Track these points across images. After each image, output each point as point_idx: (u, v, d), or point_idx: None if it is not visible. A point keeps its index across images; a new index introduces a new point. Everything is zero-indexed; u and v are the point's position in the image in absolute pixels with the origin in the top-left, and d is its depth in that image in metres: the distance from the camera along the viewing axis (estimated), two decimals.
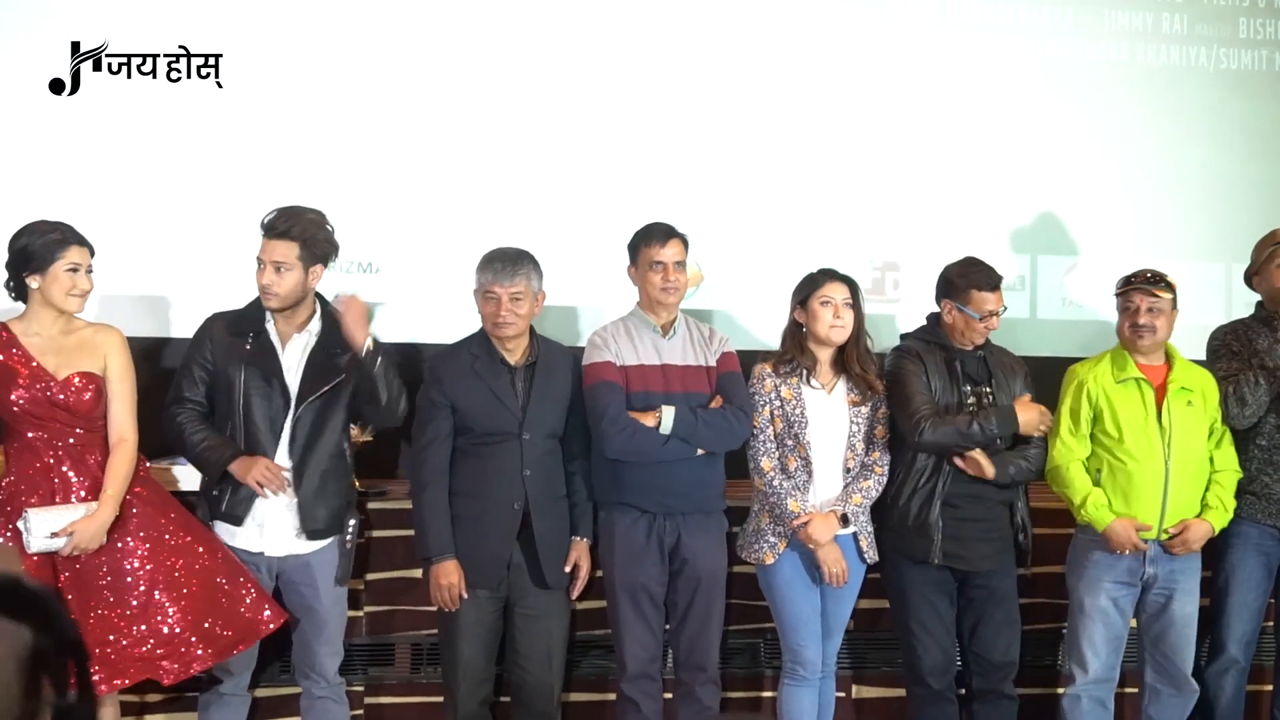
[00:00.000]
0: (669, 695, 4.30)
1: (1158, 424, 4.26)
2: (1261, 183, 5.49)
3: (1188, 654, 4.40)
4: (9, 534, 3.67)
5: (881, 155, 5.30)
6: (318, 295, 4.11)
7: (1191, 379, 4.34)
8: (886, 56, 5.33)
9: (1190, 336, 4.65)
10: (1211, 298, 5.36)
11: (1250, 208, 5.38)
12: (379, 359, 3.95)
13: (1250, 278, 4.58)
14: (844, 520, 4.17)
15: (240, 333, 4.03)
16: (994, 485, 4.21)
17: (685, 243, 4.28)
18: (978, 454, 4.15)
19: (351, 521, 4.11)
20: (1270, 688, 4.69)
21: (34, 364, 3.73)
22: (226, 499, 3.97)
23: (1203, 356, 4.57)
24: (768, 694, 4.60)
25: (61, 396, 3.73)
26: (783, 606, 4.23)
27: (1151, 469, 4.25)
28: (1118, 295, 4.37)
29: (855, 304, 4.24)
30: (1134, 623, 4.45)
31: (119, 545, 3.77)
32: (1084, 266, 5.28)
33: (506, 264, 4.09)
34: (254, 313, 4.06)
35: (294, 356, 4.04)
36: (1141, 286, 4.29)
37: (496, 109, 5.10)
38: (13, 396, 3.69)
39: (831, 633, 4.28)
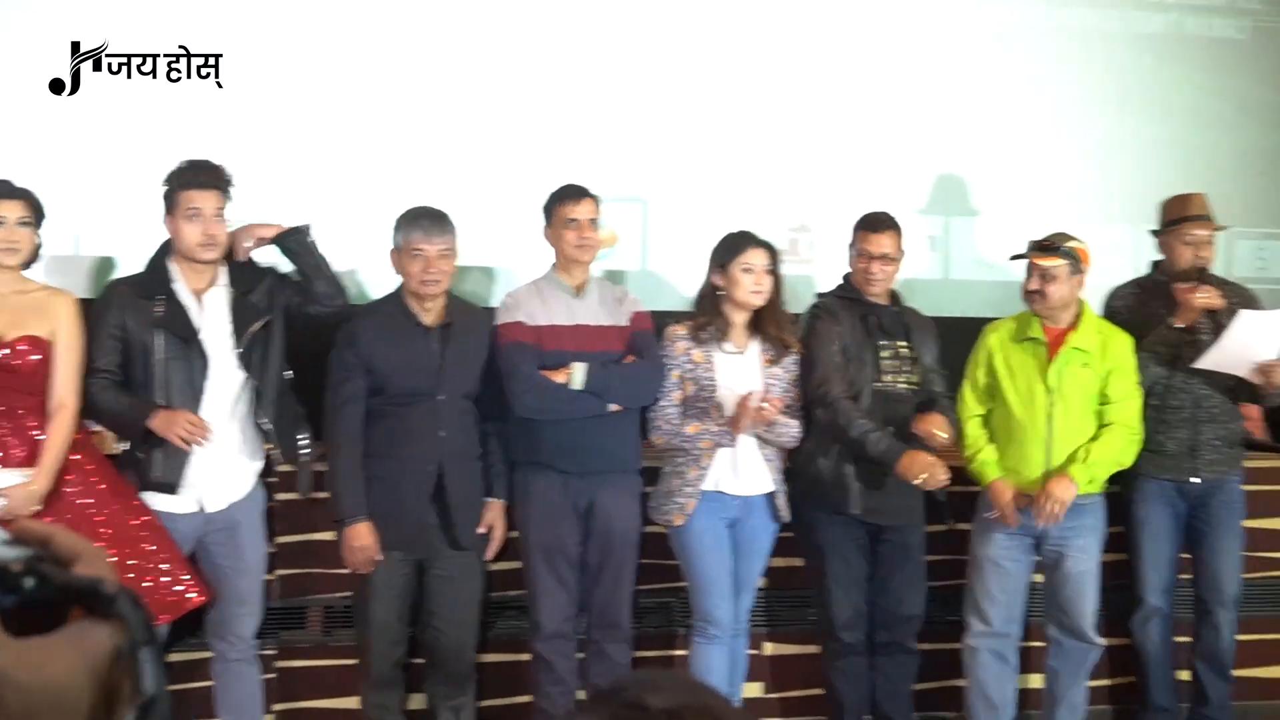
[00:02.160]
0: (582, 655, 4.34)
1: (1043, 383, 4.34)
2: (1170, 144, 5.56)
3: (1085, 607, 4.50)
4: None
5: (796, 118, 5.30)
6: None
7: (1092, 340, 4.40)
8: (799, 21, 5.33)
9: (1095, 296, 4.73)
10: (1119, 259, 5.44)
11: (1159, 170, 5.46)
12: (308, 234, 4.03)
13: (1156, 236, 4.70)
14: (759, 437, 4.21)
15: (148, 295, 3.97)
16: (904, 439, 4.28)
17: (598, 203, 4.31)
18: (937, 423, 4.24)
19: (303, 437, 4.13)
20: (1189, 639, 4.81)
21: None
22: (157, 465, 3.92)
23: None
24: (679, 652, 4.65)
25: (4, 356, 3.71)
26: (693, 566, 4.27)
27: (1035, 429, 4.34)
28: (1023, 258, 4.46)
29: (774, 269, 4.28)
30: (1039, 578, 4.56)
31: (59, 512, 3.75)
32: (996, 228, 5.34)
33: (434, 221, 4.11)
34: (159, 273, 4.00)
35: (215, 313, 4.00)
36: (1034, 253, 4.38)
37: (411, 71, 5.11)
38: None
39: (742, 591, 4.33)
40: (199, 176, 3.96)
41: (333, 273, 4.12)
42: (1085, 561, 4.46)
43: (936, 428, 4.21)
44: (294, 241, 4.03)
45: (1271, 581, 5.10)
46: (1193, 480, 4.56)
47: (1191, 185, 4.87)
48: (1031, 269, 4.36)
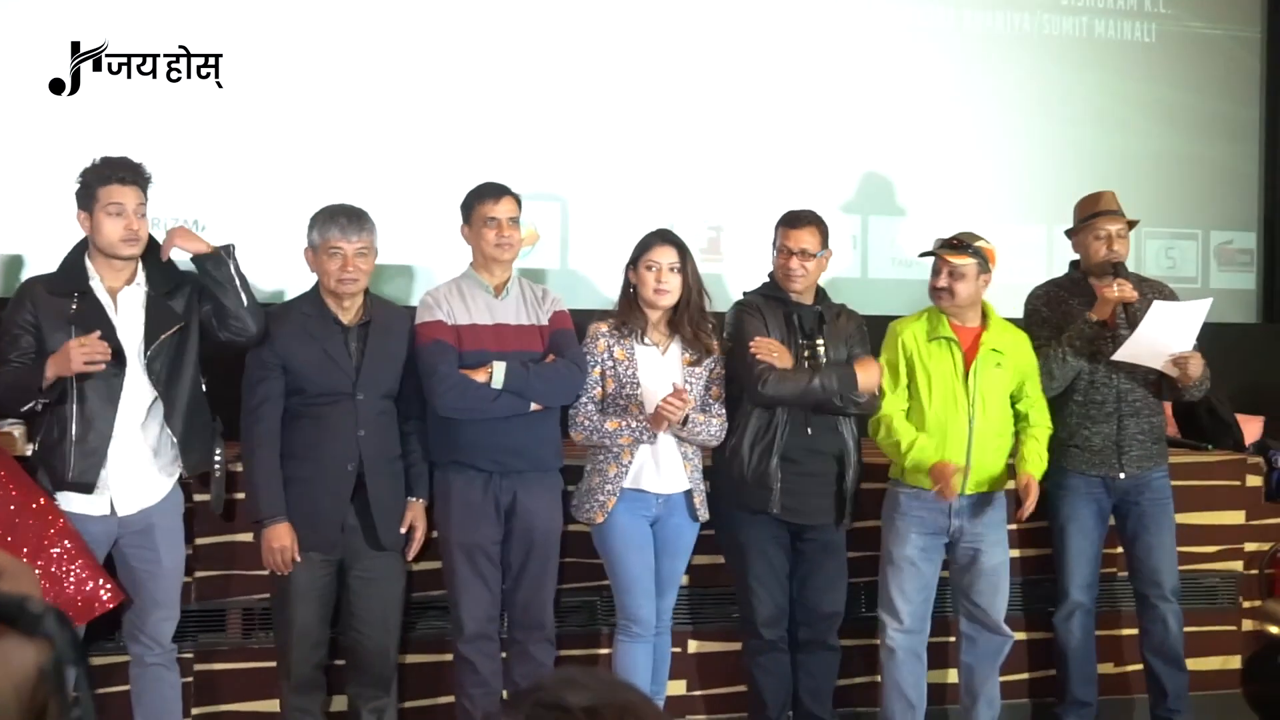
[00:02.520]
0: (505, 655, 4.33)
1: (963, 384, 4.42)
2: (1081, 146, 5.71)
3: (998, 602, 4.57)
4: None
5: (715, 117, 5.39)
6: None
7: (1004, 340, 4.49)
8: (717, 24, 5.41)
9: (1012, 296, 4.86)
10: (1034, 259, 5.59)
11: (1071, 171, 5.60)
12: (231, 259, 3.95)
13: (1071, 235, 4.78)
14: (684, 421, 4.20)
15: (63, 293, 3.91)
16: (824, 438, 4.34)
17: (518, 201, 4.30)
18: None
19: (218, 451, 4.11)
20: (1133, 631, 4.90)
21: None
22: (72, 465, 3.85)
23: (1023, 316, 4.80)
24: (604, 651, 4.66)
25: None
26: (615, 566, 4.28)
27: (956, 427, 4.41)
28: (930, 256, 4.53)
29: (684, 267, 4.28)
30: (945, 574, 4.62)
31: None
32: (914, 227, 5.44)
33: (352, 219, 4.09)
34: (75, 271, 3.94)
35: (130, 312, 3.95)
36: (942, 251, 4.44)
37: (335, 69, 5.16)
38: None
39: (665, 590, 4.35)
40: (120, 172, 3.91)
41: (254, 303, 4.05)
42: (998, 555, 4.54)
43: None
44: (212, 264, 3.95)
45: (1203, 574, 5.20)
46: (1120, 475, 4.63)
47: (1102, 185, 4.95)
48: (940, 266, 4.43)
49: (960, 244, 4.42)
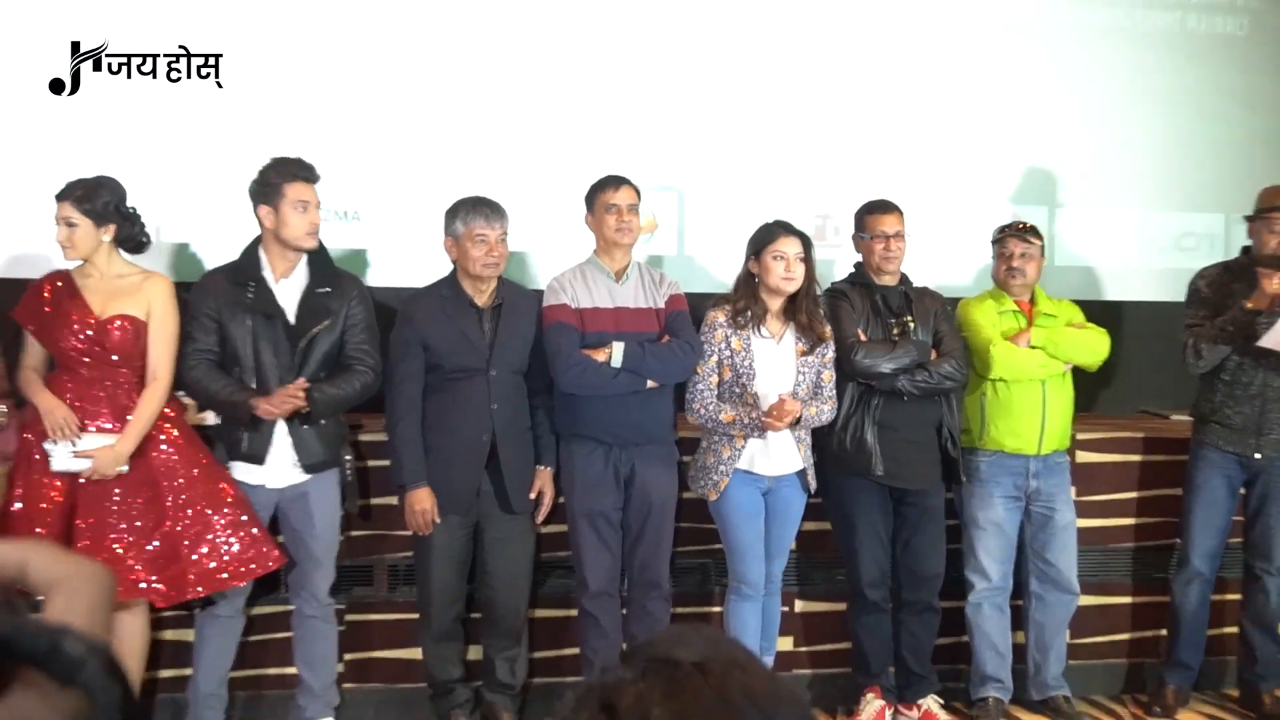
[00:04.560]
0: (624, 611, 4.54)
1: (1030, 349, 4.63)
2: (1175, 134, 5.70)
3: (1070, 559, 4.75)
4: (39, 454, 3.97)
5: (818, 113, 5.41)
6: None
7: (1055, 309, 4.75)
8: (822, 30, 5.42)
9: (1110, 279, 5.08)
10: (1127, 241, 5.67)
11: (1172, 158, 5.66)
12: (316, 406, 4.17)
13: (1249, 221, 4.79)
14: (795, 423, 4.33)
15: (241, 282, 4.19)
16: (919, 407, 4.53)
17: (637, 191, 4.46)
18: None
19: (348, 457, 4.33)
20: (1238, 596, 4.99)
21: (82, 304, 4.00)
22: (246, 441, 4.15)
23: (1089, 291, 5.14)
24: (715, 609, 4.82)
25: (100, 333, 3.98)
26: (729, 534, 4.45)
27: (1029, 390, 4.64)
28: (994, 243, 4.75)
29: (807, 257, 4.41)
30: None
31: (145, 476, 4.02)
32: (1000, 214, 5.35)
33: (495, 209, 4.31)
34: (251, 262, 4.22)
35: (290, 298, 4.21)
36: (1016, 234, 4.66)
37: (464, 77, 5.17)
38: (62, 338, 3.98)
39: (775, 555, 4.51)
40: (304, 171, 4.18)
41: (355, 394, 4.27)
42: (1069, 513, 4.74)
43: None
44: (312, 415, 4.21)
45: None
46: (1256, 455, 4.72)
47: (1194, 173, 5.04)
48: (1006, 251, 4.66)
49: (1031, 228, 4.68)
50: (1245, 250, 4.84)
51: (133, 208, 4.13)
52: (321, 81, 5.09)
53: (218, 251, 4.69)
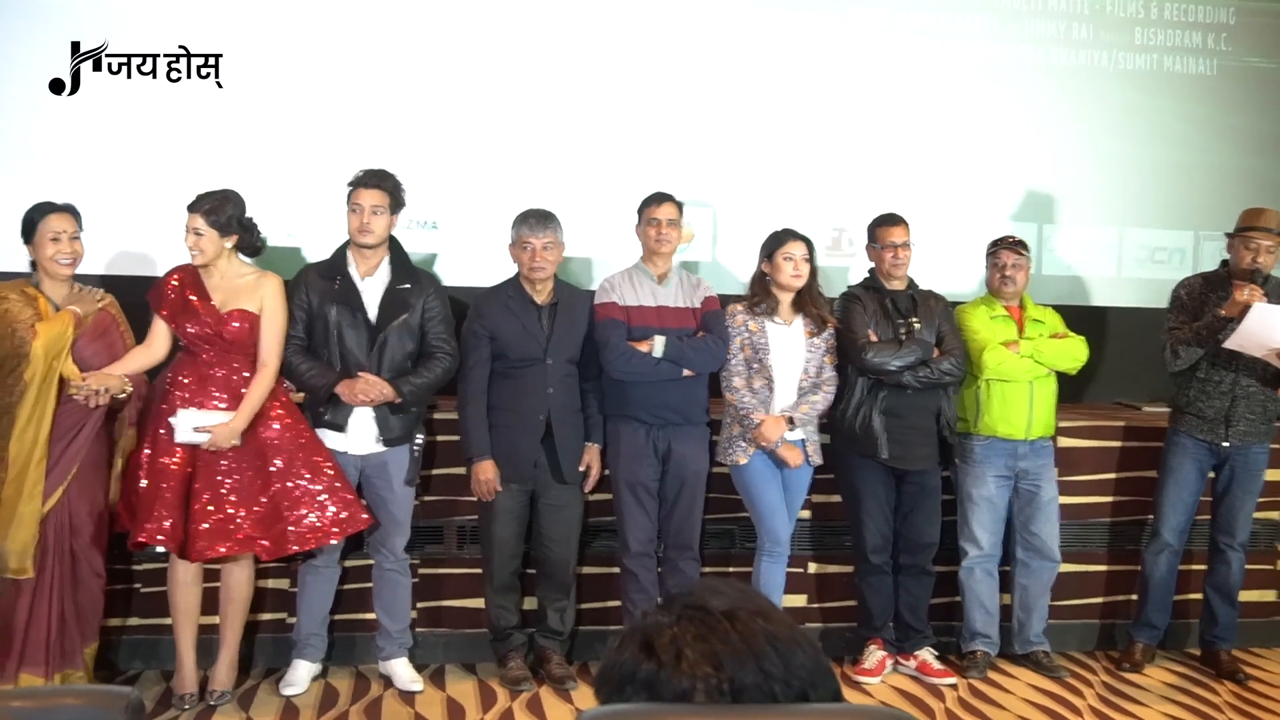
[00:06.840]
0: (660, 569, 4.91)
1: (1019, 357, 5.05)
2: (1152, 163, 6.10)
3: (1052, 531, 5.16)
4: (165, 427, 4.35)
5: (838, 138, 5.76)
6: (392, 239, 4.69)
7: (1041, 314, 5.16)
8: (845, 60, 5.76)
9: (1087, 286, 5.48)
10: (1105, 256, 6.05)
11: (1148, 184, 6.07)
12: (407, 397, 4.57)
13: (1229, 238, 5.15)
14: (790, 422, 4.79)
15: (329, 276, 4.58)
16: (921, 397, 4.92)
17: (679, 206, 4.86)
18: None
19: (419, 436, 4.67)
20: (1202, 567, 5.38)
21: (208, 301, 4.38)
22: (330, 411, 4.56)
23: (1074, 298, 5.51)
24: (737, 569, 5.16)
25: (220, 327, 4.37)
26: (756, 498, 4.84)
27: (1019, 385, 5.05)
28: (989, 254, 5.17)
29: (810, 258, 4.87)
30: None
31: (255, 449, 4.39)
32: (993, 228, 5.66)
33: (539, 220, 4.67)
34: (338, 260, 4.64)
35: (373, 293, 4.58)
36: (1008, 247, 5.09)
37: (530, 100, 5.46)
38: (189, 325, 4.38)
39: (787, 520, 4.92)
40: (365, 178, 4.56)
41: (438, 380, 4.61)
42: (1052, 491, 5.16)
43: None
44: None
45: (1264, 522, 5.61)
46: (1224, 444, 5.10)
47: (1167, 195, 5.42)
48: (1000, 262, 5.06)
49: (1020, 241, 5.09)
50: (1224, 264, 5.20)
51: (251, 218, 4.50)
52: (374, 93, 5.23)
53: None
